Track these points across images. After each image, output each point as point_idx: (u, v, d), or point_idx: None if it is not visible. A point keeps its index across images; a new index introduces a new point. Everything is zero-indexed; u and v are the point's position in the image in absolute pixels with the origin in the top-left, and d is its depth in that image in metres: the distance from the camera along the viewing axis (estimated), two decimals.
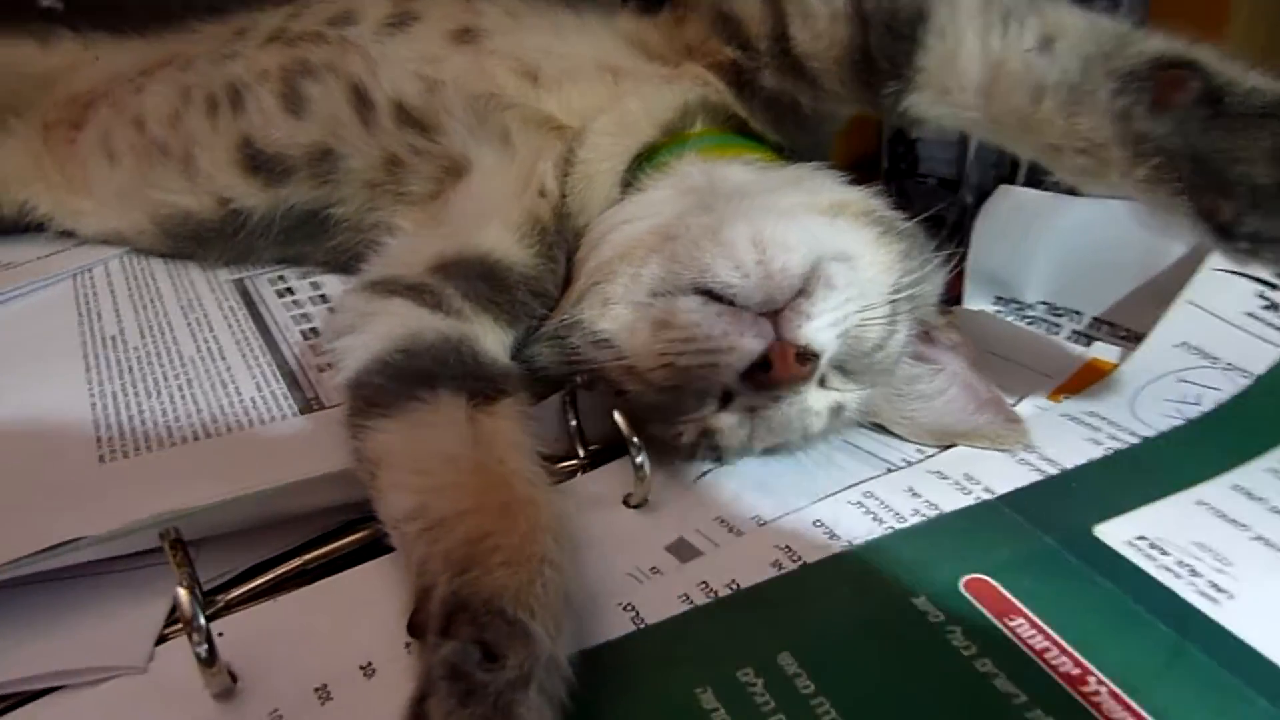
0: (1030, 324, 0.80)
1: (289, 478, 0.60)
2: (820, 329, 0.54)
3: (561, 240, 0.71)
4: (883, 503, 0.59)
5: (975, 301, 0.82)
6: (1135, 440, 0.64)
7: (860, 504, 0.60)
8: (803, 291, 0.54)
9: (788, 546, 0.56)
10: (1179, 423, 0.65)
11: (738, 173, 0.67)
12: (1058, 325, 0.79)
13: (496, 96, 0.78)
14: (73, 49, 1.12)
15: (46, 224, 1.02)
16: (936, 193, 0.90)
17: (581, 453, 0.66)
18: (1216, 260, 0.70)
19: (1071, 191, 0.77)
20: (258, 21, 0.97)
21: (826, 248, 0.57)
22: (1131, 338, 0.75)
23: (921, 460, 0.65)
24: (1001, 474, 0.61)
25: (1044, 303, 0.80)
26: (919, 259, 0.64)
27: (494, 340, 0.66)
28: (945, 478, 0.62)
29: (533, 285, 0.69)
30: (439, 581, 0.46)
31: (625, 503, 0.62)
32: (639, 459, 0.60)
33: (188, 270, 0.97)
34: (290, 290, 0.92)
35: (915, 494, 0.60)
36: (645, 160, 0.72)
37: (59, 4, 1.41)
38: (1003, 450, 0.64)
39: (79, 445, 0.68)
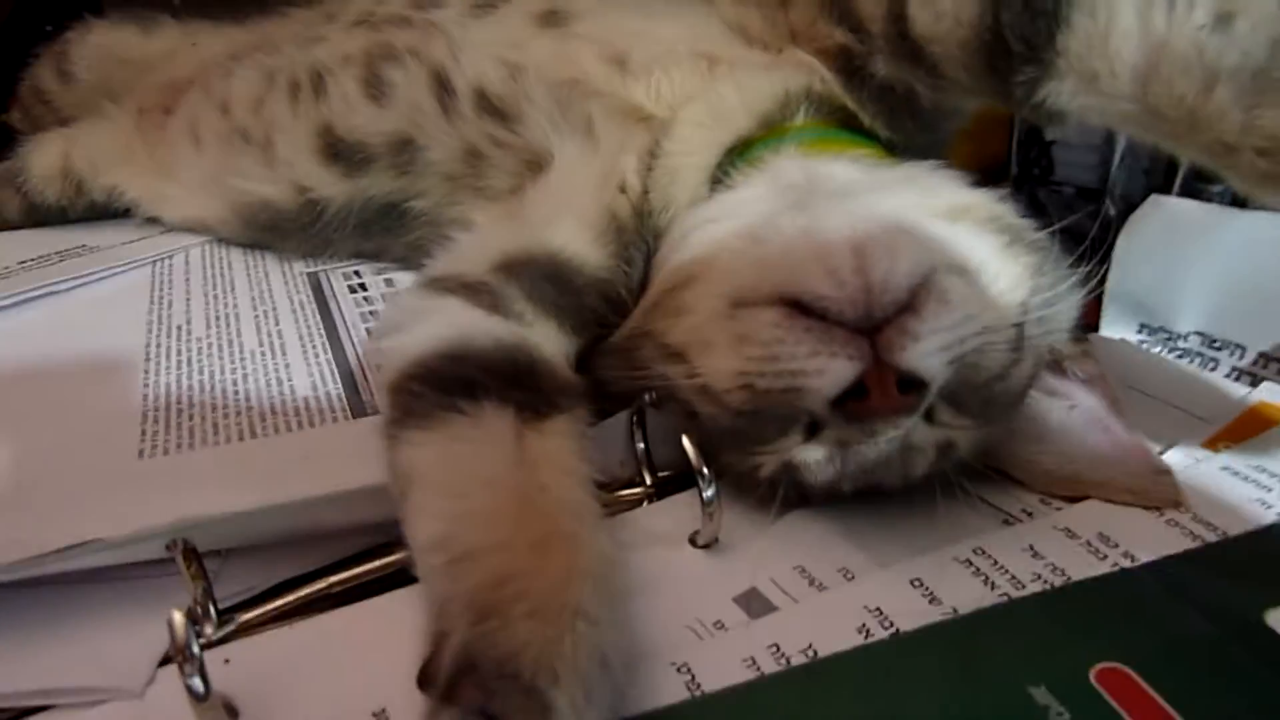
0: (1181, 358, 0.69)
1: (326, 489, 0.55)
2: (928, 353, 0.45)
3: (640, 241, 0.64)
4: (996, 563, 0.50)
5: (1115, 329, 0.71)
6: None
7: (969, 563, 0.50)
8: (909, 307, 0.46)
9: (878, 609, 0.48)
10: None
11: (842, 170, 0.59)
12: (1215, 360, 0.68)
13: (581, 84, 0.72)
14: (174, 35, 1.11)
15: (134, 209, 1.01)
16: (1075, 203, 0.80)
17: (648, 480, 0.59)
18: None
19: (1237, 204, 0.66)
20: (347, 4, 0.94)
21: (941, 256, 0.49)
22: None
23: (1046, 514, 0.55)
24: (1145, 537, 0.51)
25: (1199, 333, 0.68)
26: (1053, 275, 0.54)
27: (556, 348, 0.59)
28: (1075, 537, 0.52)
29: (604, 289, 0.62)
30: (456, 628, 0.39)
31: (692, 542, 0.54)
32: (708, 492, 0.52)
33: (265, 261, 0.94)
34: (363, 286, 0.88)
35: (1037, 554, 0.50)
36: (738, 155, 0.64)
37: None
38: (1146, 508, 0.53)
39: (121, 437, 0.64)
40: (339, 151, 0.84)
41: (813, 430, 0.51)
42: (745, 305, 0.50)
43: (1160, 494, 0.54)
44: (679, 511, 0.57)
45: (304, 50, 0.90)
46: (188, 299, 0.87)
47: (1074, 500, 0.55)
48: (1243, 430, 0.59)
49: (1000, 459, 0.57)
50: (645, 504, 0.59)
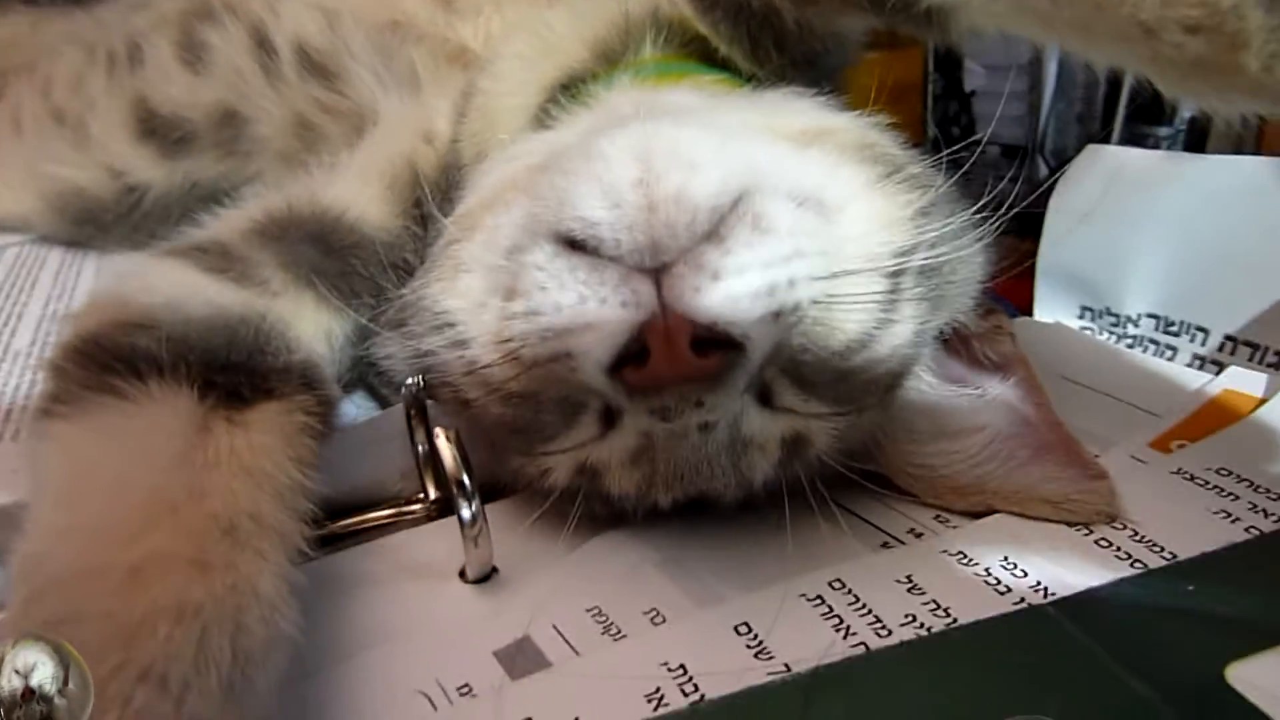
0: (1133, 347, 0.56)
1: None
2: (735, 296, 0.32)
3: (444, 199, 0.52)
4: (857, 601, 0.36)
5: (1051, 311, 0.58)
6: None
7: (820, 600, 0.36)
8: (712, 235, 0.33)
9: (682, 666, 0.34)
10: None
11: (680, 98, 0.46)
12: (1172, 349, 0.54)
13: (402, 27, 0.61)
14: (20, 22, 1.00)
15: None
16: (1000, 164, 0.67)
17: (432, 493, 0.45)
18: None
19: (1193, 147, 0.53)
20: None
21: (770, 176, 0.36)
22: None
23: (938, 534, 0.41)
24: (1065, 564, 0.38)
25: (1152, 315, 0.55)
26: (942, 219, 0.41)
27: (310, 324, 0.46)
28: (970, 564, 0.38)
29: (385, 253, 0.49)
30: None
31: (462, 575, 0.40)
32: (466, 512, 0.38)
33: (83, 260, 0.82)
34: None
35: (915, 589, 0.37)
36: (571, 95, 0.52)
37: None
38: (1071, 524, 0.40)
39: None
40: (154, 128, 0.74)
41: (610, 419, 0.37)
42: (520, 250, 0.37)
43: (1090, 505, 0.40)
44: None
45: (125, 18, 0.80)
46: None
47: (976, 516, 0.42)
48: (1202, 426, 0.46)
49: (883, 461, 0.43)
50: (430, 523, 0.45)
